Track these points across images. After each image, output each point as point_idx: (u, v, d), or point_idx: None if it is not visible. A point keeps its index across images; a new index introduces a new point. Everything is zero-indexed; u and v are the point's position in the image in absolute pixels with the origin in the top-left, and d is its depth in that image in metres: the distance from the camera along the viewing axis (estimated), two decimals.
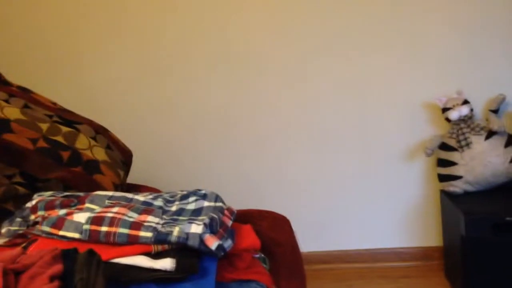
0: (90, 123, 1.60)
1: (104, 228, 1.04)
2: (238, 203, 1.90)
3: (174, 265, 1.05)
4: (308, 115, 2.29)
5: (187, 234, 1.08)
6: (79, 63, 2.33)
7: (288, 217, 1.69)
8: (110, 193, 1.18)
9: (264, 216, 1.64)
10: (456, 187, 2.11)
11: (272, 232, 1.56)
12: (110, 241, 1.03)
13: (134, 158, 1.81)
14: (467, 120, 2.13)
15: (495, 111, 2.14)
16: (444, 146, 2.16)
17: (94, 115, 1.78)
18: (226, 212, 1.25)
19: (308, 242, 2.33)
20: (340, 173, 2.32)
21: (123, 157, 1.52)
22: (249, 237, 1.28)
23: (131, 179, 1.91)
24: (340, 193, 2.34)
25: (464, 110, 2.12)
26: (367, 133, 2.29)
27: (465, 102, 2.14)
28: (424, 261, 2.30)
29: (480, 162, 2.06)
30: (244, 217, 1.55)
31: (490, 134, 2.08)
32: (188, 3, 2.26)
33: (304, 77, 2.27)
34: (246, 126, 2.32)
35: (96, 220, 1.05)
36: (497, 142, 2.07)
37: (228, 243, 1.17)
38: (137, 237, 1.05)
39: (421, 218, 2.32)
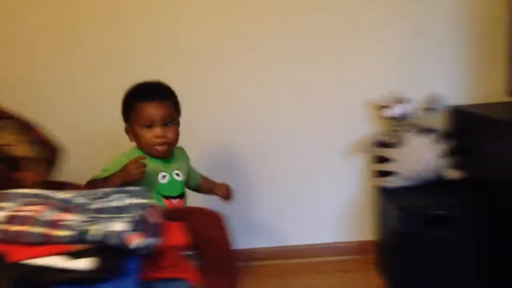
0: (17, 118, 1.54)
1: (16, 228, 0.99)
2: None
3: (93, 265, 1.02)
4: (250, 114, 2.29)
5: (108, 232, 1.05)
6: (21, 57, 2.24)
7: (227, 213, 1.68)
8: (27, 190, 1.14)
9: (199, 213, 1.64)
10: (391, 182, 2.15)
11: (205, 229, 1.55)
12: (23, 241, 0.99)
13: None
14: (403, 118, 2.18)
15: (429, 109, 2.21)
16: (380, 143, 2.21)
17: (40, 111, 1.74)
18: (153, 209, 1.22)
19: (248, 239, 2.34)
20: (279, 170, 2.34)
21: (49, 153, 1.46)
22: (177, 235, 1.26)
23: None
24: (280, 190, 2.35)
25: (400, 108, 2.17)
26: (306, 130, 2.31)
27: (402, 100, 2.18)
28: (360, 255, 2.34)
29: (414, 159, 2.12)
30: (178, 214, 1.53)
31: (424, 131, 2.14)
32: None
33: (251, 79, 2.27)
34: (199, 127, 2.28)
35: (9, 219, 1.01)
36: (430, 139, 2.13)
37: (153, 241, 1.15)
38: (53, 236, 1.01)
39: (358, 213, 2.36)
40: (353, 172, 2.33)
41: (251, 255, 2.34)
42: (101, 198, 1.19)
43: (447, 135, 2.17)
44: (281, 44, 2.24)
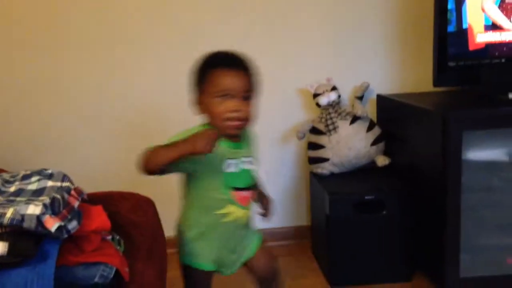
0: None
1: None
2: (109, 186, 1.84)
3: (6, 249, 0.99)
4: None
5: (23, 215, 1.02)
6: None
7: (158, 200, 1.66)
8: None
9: (126, 198, 1.61)
10: (323, 169, 2.21)
11: (132, 214, 1.53)
12: None
13: None
14: (335, 105, 2.23)
15: (360, 98, 2.27)
16: (314, 130, 2.25)
17: None
18: (73, 192, 1.20)
19: None
20: None
21: None
22: (99, 218, 1.24)
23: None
24: None
25: (332, 96, 2.22)
26: None
27: (334, 88, 2.24)
28: (296, 240, 2.39)
29: (345, 145, 2.17)
30: (105, 199, 1.50)
31: (355, 119, 2.20)
32: None
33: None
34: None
35: None
36: (361, 127, 2.20)
37: (72, 225, 1.13)
38: None
39: (294, 199, 2.41)
40: (289, 158, 2.37)
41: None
42: (20, 180, 1.15)
43: (374, 123, 2.24)
44: (215, 29, 2.24)
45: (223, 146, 1.35)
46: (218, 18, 2.23)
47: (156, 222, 1.60)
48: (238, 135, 1.40)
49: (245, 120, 1.37)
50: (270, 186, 2.37)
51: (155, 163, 1.26)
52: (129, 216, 1.49)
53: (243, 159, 1.41)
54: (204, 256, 1.42)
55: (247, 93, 1.36)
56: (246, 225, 1.46)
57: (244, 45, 2.26)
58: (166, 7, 2.21)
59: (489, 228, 1.88)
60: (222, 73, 1.34)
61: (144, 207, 1.57)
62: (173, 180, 2.18)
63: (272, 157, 2.35)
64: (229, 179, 1.37)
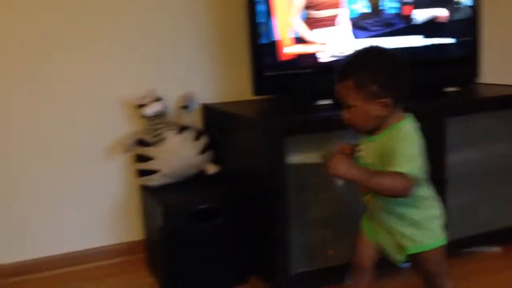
0: None
1: None
2: None
3: None
4: None
5: None
6: None
7: None
8: None
9: None
10: (154, 180, 2.18)
11: None
12: None
13: None
14: (160, 116, 2.21)
15: (185, 107, 2.29)
16: (140, 142, 2.21)
17: None
18: None
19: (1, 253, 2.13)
20: (34, 176, 2.16)
21: None
22: None
23: None
24: (35, 197, 2.18)
25: (157, 107, 2.20)
26: (63, 132, 2.18)
27: (158, 99, 2.22)
28: (129, 256, 2.32)
29: (174, 155, 2.17)
30: None
31: (182, 129, 2.21)
32: None
33: None
34: None
35: None
36: (188, 136, 2.22)
37: None
38: None
39: (123, 214, 2.33)
40: (115, 172, 2.29)
41: (5, 272, 2.14)
42: None
43: (201, 132, 2.28)
44: (37, 39, 2.08)
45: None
46: (40, 26, 2.06)
47: None
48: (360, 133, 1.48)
49: (353, 125, 1.44)
50: (96, 203, 2.26)
51: None
52: None
53: (362, 150, 1.49)
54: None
55: (347, 102, 1.41)
56: (380, 209, 1.49)
57: (66, 51, 2.11)
58: None
59: (314, 223, 2.03)
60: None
61: None
62: None
63: (97, 172, 2.25)
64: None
